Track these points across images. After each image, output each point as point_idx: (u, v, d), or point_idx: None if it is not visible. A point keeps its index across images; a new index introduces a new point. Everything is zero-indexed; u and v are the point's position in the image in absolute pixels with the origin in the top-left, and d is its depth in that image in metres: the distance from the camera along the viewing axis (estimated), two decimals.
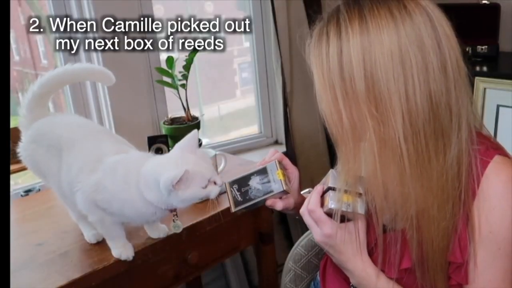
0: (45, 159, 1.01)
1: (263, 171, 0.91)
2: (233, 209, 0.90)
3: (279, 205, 0.91)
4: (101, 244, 1.05)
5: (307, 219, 0.83)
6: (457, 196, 0.74)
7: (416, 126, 0.70)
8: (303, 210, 0.83)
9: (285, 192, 0.88)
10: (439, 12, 0.72)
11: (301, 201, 0.92)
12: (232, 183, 0.92)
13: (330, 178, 0.80)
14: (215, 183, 0.90)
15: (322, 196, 0.82)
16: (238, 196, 0.90)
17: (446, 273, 0.77)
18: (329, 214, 0.80)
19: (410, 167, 0.71)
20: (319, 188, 0.83)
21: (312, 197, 0.82)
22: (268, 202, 0.90)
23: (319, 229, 0.81)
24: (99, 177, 0.92)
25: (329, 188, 0.79)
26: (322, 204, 0.81)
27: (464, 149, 0.73)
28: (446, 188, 0.73)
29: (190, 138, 0.93)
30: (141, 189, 0.90)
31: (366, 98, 0.70)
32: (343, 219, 0.80)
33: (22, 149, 1.04)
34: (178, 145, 0.93)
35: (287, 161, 0.95)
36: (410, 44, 0.68)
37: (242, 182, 0.91)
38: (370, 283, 0.82)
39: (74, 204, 0.99)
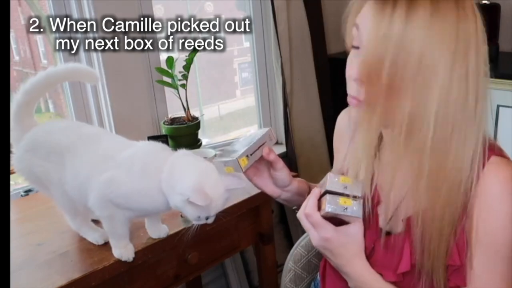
0: (43, 168, 0.99)
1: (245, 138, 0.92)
2: (236, 157, 0.88)
3: (272, 155, 0.90)
4: (101, 244, 1.05)
5: (304, 223, 0.82)
6: (463, 198, 0.73)
7: (448, 109, 0.70)
8: (300, 214, 0.82)
9: (271, 141, 0.90)
10: (480, 15, 0.73)
11: (295, 186, 0.95)
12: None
13: (328, 181, 0.80)
14: (207, 218, 0.92)
15: (320, 200, 0.81)
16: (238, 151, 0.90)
17: (446, 276, 0.77)
18: (327, 217, 0.79)
19: (432, 143, 0.71)
20: (316, 191, 0.82)
21: (309, 200, 0.81)
22: (265, 151, 0.90)
23: (316, 233, 0.80)
24: (114, 173, 0.92)
25: (326, 192, 0.79)
26: (319, 208, 0.80)
27: (479, 149, 0.73)
28: (457, 184, 0.73)
29: (238, 182, 0.93)
30: (163, 176, 0.90)
31: (417, 67, 0.69)
32: (341, 222, 0.80)
33: (17, 161, 1.02)
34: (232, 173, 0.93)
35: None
36: (464, 41, 0.69)
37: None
38: (368, 286, 0.81)
39: (78, 208, 0.98)
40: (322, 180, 0.85)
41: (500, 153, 0.78)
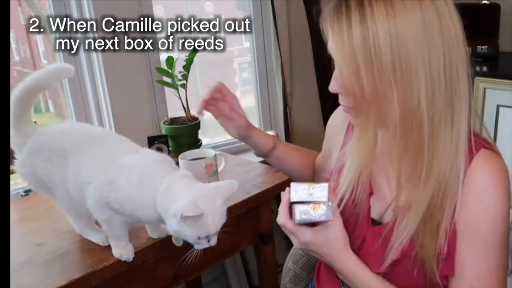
0: (47, 170, 0.99)
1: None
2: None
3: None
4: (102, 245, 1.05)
5: (284, 230, 0.83)
6: (454, 183, 0.75)
7: (434, 92, 0.71)
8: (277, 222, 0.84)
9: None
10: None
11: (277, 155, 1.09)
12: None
13: (292, 193, 0.79)
14: (209, 240, 0.90)
15: (290, 207, 0.82)
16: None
17: (436, 265, 0.77)
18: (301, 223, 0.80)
19: (429, 133, 0.73)
20: (285, 199, 0.82)
21: (280, 210, 0.83)
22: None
23: (296, 238, 0.82)
24: (114, 176, 0.92)
25: (293, 203, 0.79)
26: (292, 215, 0.81)
27: (465, 130, 0.75)
28: (452, 168, 0.75)
29: (232, 185, 0.92)
30: (158, 195, 0.90)
31: (392, 65, 0.70)
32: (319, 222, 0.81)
33: (20, 166, 1.02)
34: (218, 183, 0.94)
35: (226, 90, 1.04)
36: (433, 13, 0.70)
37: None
38: (356, 278, 0.82)
39: (81, 210, 0.98)
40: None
41: (488, 146, 0.78)
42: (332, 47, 0.76)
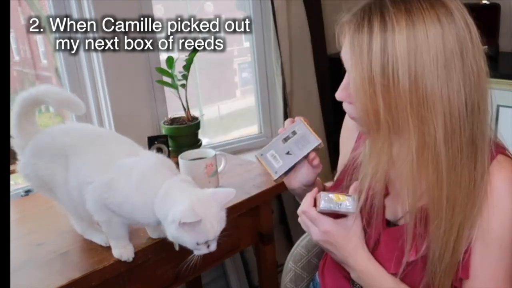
0: (49, 171, 0.99)
1: (292, 133, 0.89)
2: (274, 177, 0.88)
3: (316, 160, 0.89)
4: (102, 245, 1.05)
5: (303, 219, 0.84)
6: (477, 202, 0.74)
7: (454, 130, 0.70)
8: (298, 212, 0.84)
9: (319, 146, 0.88)
10: (471, 19, 0.73)
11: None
12: (265, 151, 0.89)
13: (321, 201, 0.81)
14: (208, 246, 0.90)
15: (315, 198, 0.83)
16: (279, 159, 0.88)
17: (452, 268, 0.77)
18: (323, 214, 0.82)
19: (447, 171, 0.72)
20: (314, 190, 0.84)
21: (305, 198, 0.84)
22: (311, 155, 0.88)
23: (316, 227, 0.82)
24: (113, 177, 0.92)
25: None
26: (315, 205, 0.82)
27: (488, 157, 0.74)
28: (472, 195, 0.74)
29: (228, 193, 0.93)
30: (156, 200, 0.90)
31: (409, 98, 0.69)
32: (338, 218, 0.82)
33: (23, 167, 1.03)
34: (215, 190, 0.94)
35: (309, 123, 0.94)
36: (455, 50, 0.69)
37: (277, 147, 0.88)
38: (370, 277, 0.82)
39: (82, 210, 0.98)
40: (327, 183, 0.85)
41: (503, 151, 0.78)
42: (349, 65, 0.74)
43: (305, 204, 0.83)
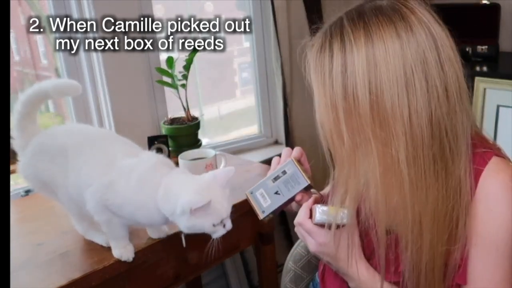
0: (50, 171, 0.99)
1: (282, 172, 0.90)
2: (261, 216, 0.89)
3: (305, 199, 0.88)
4: (102, 245, 1.05)
5: (299, 231, 0.84)
6: (454, 215, 0.73)
7: (417, 151, 0.69)
8: (294, 223, 0.85)
9: (309, 187, 0.88)
10: (440, 30, 0.71)
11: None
12: (255, 189, 0.91)
13: (317, 214, 0.81)
14: (224, 225, 0.91)
15: (311, 210, 0.83)
16: (267, 199, 0.89)
17: (442, 274, 0.77)
18: (319, 226, 0.82)
19: (411, 191, 0.71)
20: (309, 201, 0.84)
21: (301, 210, 0.84)
22: (298, 197, 0.88)
23: (312, 239, 0.82)
24: (113, 178, 0.92)
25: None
26: (311, 217, 0.83)
27: (465, 171, 0.72)
28: (444, 211, 0.73)
29: (227, 171, 0.94)
30: (158, 198, 0.90)
31: (370, 120, 0.69)
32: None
33: (23, 168, 1.02)
34: (213, 172, 0.94)
35: (304, 158, 0.94)
36: (415, 67, 0.67)
37: (266, 187, 0.90)
38: (369, 286, 0.82)
39: (82, 211, 0.98)
40: (325, 189, 0.85)
41: (498, 153, 0.78)
42: (315, 93, 0.75)
43: (301, 216, 0.83)
